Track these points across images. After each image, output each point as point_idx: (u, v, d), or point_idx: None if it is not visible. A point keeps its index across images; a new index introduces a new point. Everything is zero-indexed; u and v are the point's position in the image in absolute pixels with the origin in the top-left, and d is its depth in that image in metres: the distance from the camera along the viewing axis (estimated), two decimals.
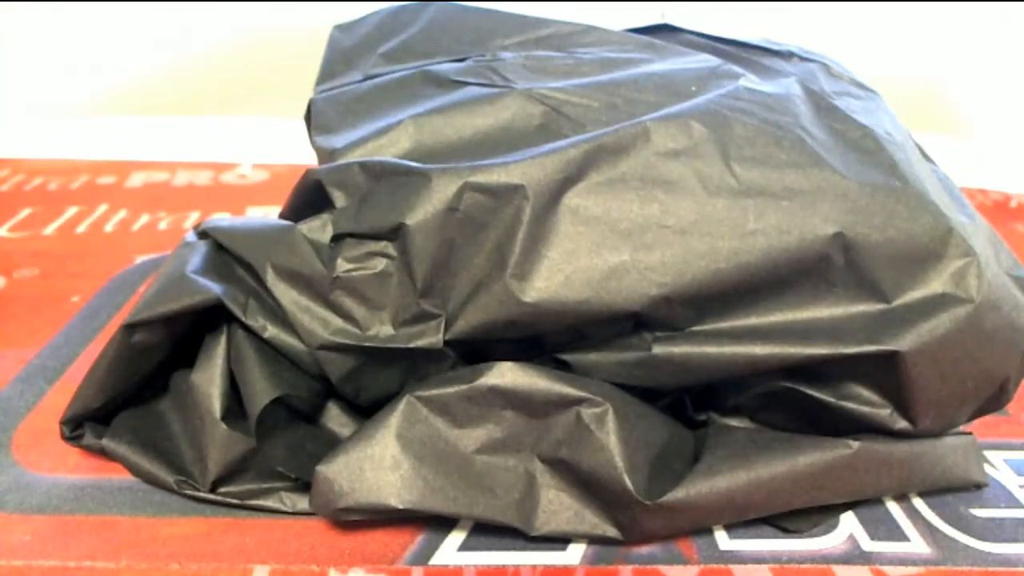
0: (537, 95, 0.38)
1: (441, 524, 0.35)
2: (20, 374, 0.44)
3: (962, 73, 0.95)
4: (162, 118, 0.88)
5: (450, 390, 0.33)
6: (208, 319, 0.36)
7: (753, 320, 0.33)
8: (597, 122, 0.36)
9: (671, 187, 0.33)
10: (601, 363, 0.34)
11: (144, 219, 0.64)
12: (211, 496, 0.35)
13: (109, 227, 0.62)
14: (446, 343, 0.33)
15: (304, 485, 0.35)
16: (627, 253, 0.32)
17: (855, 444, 0.33)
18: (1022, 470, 0.40)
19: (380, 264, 0.34)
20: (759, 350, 0.32)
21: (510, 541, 0.34)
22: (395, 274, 0.33)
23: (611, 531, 0.33)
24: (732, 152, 0.34)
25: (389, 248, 0.34)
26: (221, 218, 0.39)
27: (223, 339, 0.35)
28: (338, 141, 0.37)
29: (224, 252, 0.36)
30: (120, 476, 0.37)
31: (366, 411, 0.36)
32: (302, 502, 0.35)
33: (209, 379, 0.34)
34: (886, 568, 0.34)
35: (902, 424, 0.33)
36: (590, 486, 0.33)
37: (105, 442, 0.36)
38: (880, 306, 0.33)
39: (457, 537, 0.34)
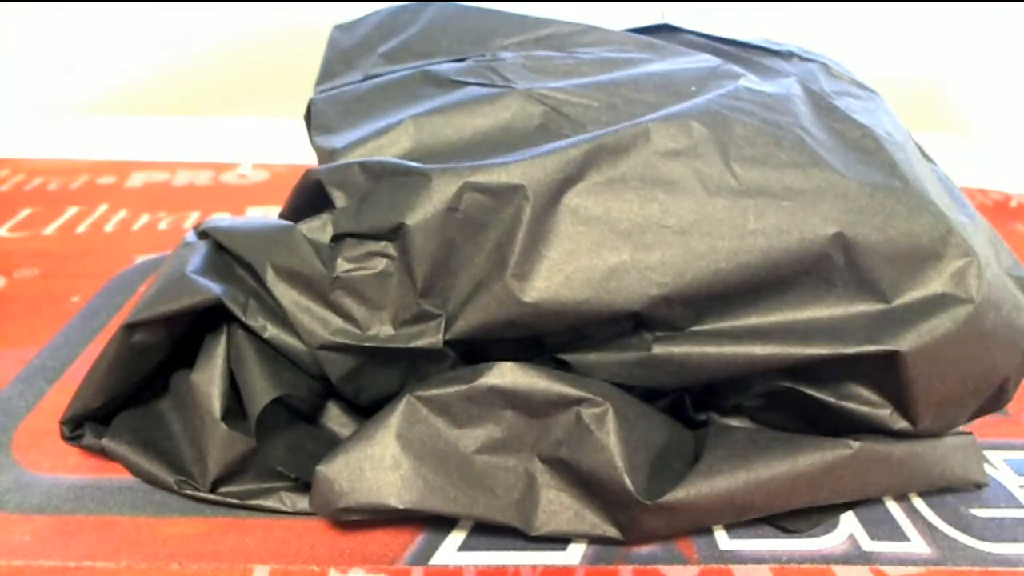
0: (537, 95, 0.38)
1: (441, 524, 0.35)
2: (20, 374, 0.44)
3: (962, 73, 0.95)
4: (162, 118, 0.88)
5: (450, 390, 0.33)
6: (208, 319, 0.36)
7: (753, 320, 0.33)
8: (597, 122, 0.36)
9: (671, 187, 0.33)
10: (601, 363, 0.34)
11: (144, 219, 0.64)
12: (211, 496, 0.35)
13: (109, 227, 0.62)
14: (446, 343, 0.33)
15: (304, 485, 0.35)
16: (627, 253, 0.32)
17: (855, 444, 0.33)
18: (1022, 470, 0.40)
19: (380, 264, 0.34)
20: (759, 350, 0.32)
21: (510, 541, 0.34)
22: (395, 274, 0.33)
23: (611, 531, 0.33)
24: (732, 152, 0.34)
25: (389, 248, 0.34)
26: (221, 218, 0.39)
27: (223, 339, 0.35)
28: (338, 141, 0.37)
29: (224, 252, 0.36)
30: (120, 476, 0.37)
31: (366, 411, 0.36)
32: (302, 502, 0.35)
33: (209, 379, 0.34)
34: (886, 568, 0.34)
35: (902, 424, 0.33)
36: (590, 486, 0.33)
37: (105, 442, 0.36)
38: (880, 306, 0.33)
39: (457, 537, 0.34)
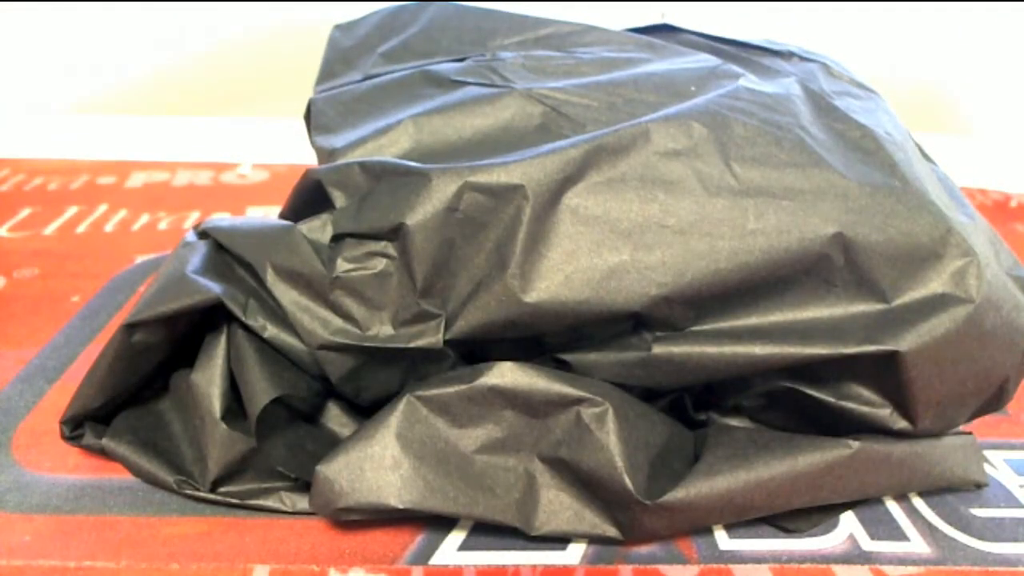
0: (537, 95, 0.38)
1: (441, 524, 0.35)
2: (20, 374, 0.44)
3: (962, 73, 0.95)
4: (162, 118, 0.88)
5: (450, 390, 0.33)
6: (208, 319, 0.36)
7: (753, 320, 0.33)
8: (597, 122, 0.36)
9: (671, 187, 0.33)
10: (601, 363, 0.34)
11: (144, 219, 0.64)
12: (211, 496, 0.35)
13: (109, 227, 0.62)
14: (446, 343, 0.33)
15: (304, 485, 0.35)
16: (627, 253, 0.32)
17: (855, 444, 0.33)
18: (1022, 470, 0.40)
19: (380, 264, 0.34)
20: (759, 350, 0.32)
21: (510, 541, 0.34)
22: (395, 274, 0.33)
23: (611, 531, 0.33)
24: (732, 152, 0.34)
25: (389, 248, 0.34)
26: (221, 218, 0.39)
27: (223, 339, 0.35)
28: (338, 141, 0.38)
29: (224, 252, 0.36)
30: (120, 476, 0.37)
31: (366, 411, 0.36)
32: (302, 502, 0.35)
33: (209, 379, 0.34)
34: (886, 568, 0.34)
35: (902, 424, 0.33)
36: (590, 486, 0.33)
37: (105, 442, 0.36)
38: (880, 306, 0.33)
39: (457, 537, 0.34)
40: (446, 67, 0.41)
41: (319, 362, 0.34)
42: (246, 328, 0.35)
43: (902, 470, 0.35)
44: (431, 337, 0.33)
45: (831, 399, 0.33)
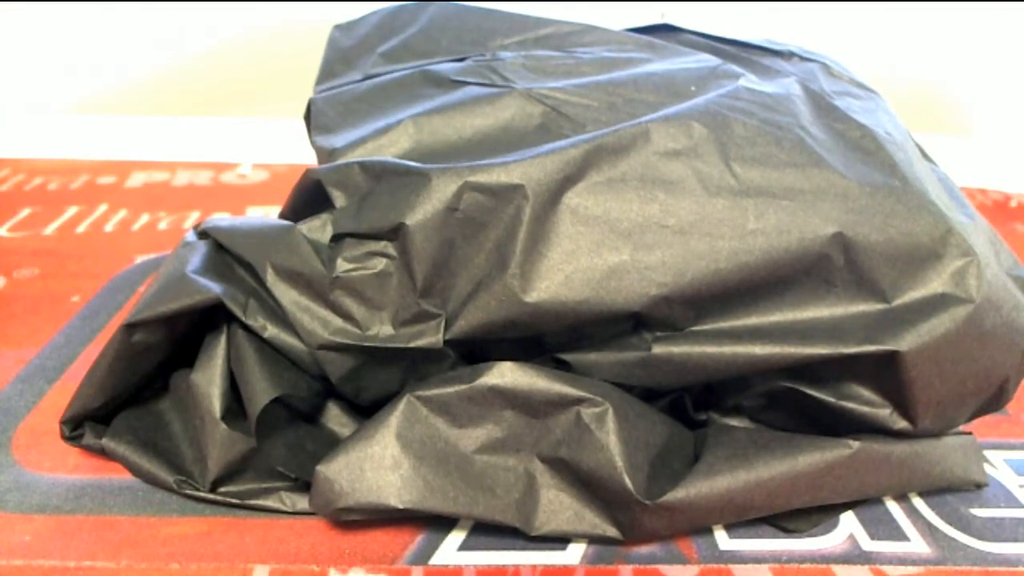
0: (537, 95, 0.38)
1: (441, 524, 0.35)
2: (20, 374, 0.44)
3: (962, 73, 0.95)
4: (162, 118, 0.89)
5: (450, 390, 0.33)
6: (208, 319, 0.36)
7: (753, 320, 0.33)
8: (597, 122, 0.36)
9: (671, 187, 0.33)
10: (601, 363, 0.34)
11: (144, 219, 0.64)
12: (211, 496, 0.35)
13: (109, 227, 0.62)
14: (446, 343, 0.33)
15: (304, 485, 0.35)
16: (627, 253, 0.32)
17: (855, 444, 0.33)
18: (1022, 470, 0.40)
19: (380, 264, 0.34)
20: (759, 350, 0.32)
21: (510, 541, 0.34)
22: (395, 274, 0.33)
23: (611, 531, 0.33)
24: (732, 152, 0.34)
25: (389, 248, 0.34)
26: (221, 218, 0.39)
27: (223, 339, 0.35)
28: (338, 141, 0.38)
29: (224, 252, 0.36)
30: (120, 476, 0.37)
31: (366, 411, 0.36)
32: (302, 502, 0.35)
33: (209, 379, 0.34)
34: (886, 568, 0.34)
35: (902, 424, 0.33)
36: (590, 486, 0.33)
37: (105, 442, 0.36)
38: (880, 306, 0.33)
39: (457, 537, 0.34)
40: (446, 67, 0.41)
41: (319, 362, 0.34)
42: (246, 328, 0.35)
43: (902, 470, 0.35)
44: (431, 337, 0.33)
45: (831, 399, 0.33)
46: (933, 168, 0.39)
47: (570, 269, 0.32)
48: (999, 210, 0.74)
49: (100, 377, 0.35)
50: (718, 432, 0.35)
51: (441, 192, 0.32)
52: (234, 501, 0.35)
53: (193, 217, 0.65)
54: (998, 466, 0.40)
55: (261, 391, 0.33)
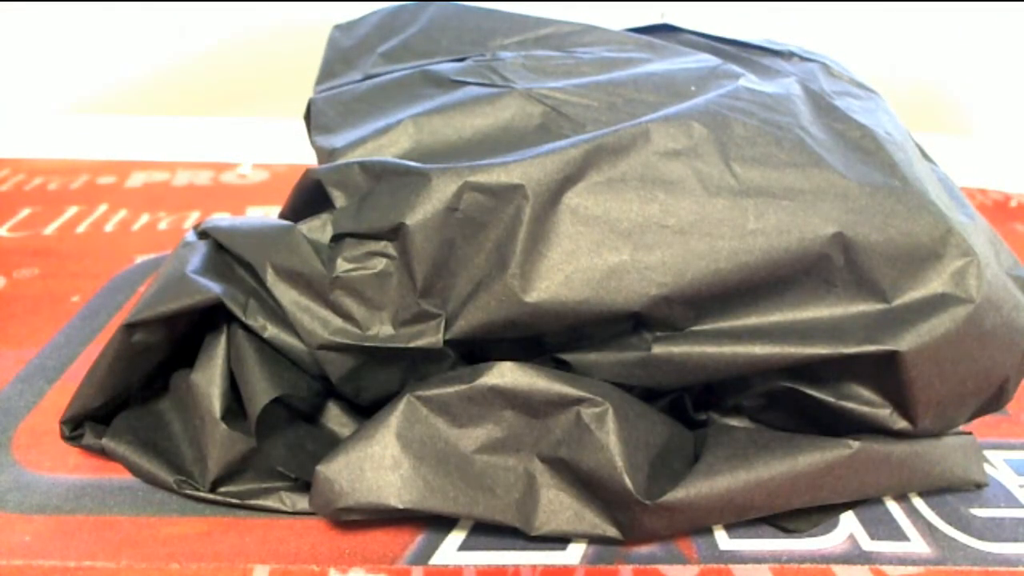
0: (537, 95, 0.38)
1: (441, 524, 0.35)
2: (20, 374, 0.44)
3: (962, 73, 0.95)
4: (162, 118, 0.89)
5: (450, 390, 0.33)
6: (208, 319, 0.36)
7: (753, 320, 0.33)
8: (597, 122, 0.36)
9: (671, 187, 0.33)
10: (601, 363, 0.34)
11: (144, 219, 0.64)
12: (211, 496, 0.35)
13: (109, 227, 0.62)
14: (446, 343, 0.33)
15: (304, 485, 0.35)
16: (627, 253, 0.32)
17: (855, 444, 0.33)
18: (1022, 470, 0.40)
19: (380, 264, 0.34)
20: (759, 350, 0.32)
21: (510, 541, 0.34)
22: (395, 274, 0.33)
23: (611, 531, 0.33)
24: (732, 152, 0.34)
25: (389, 248, 0.34)
26: (221, 218, 0.39)
27: (223, 339, 0.35)
28: (338, 141, 0.38)
29: (224, 252, 0.36)
30: (120, 476, 0.37)
31: (366, 411, 0.36)
32: (302, 502, 0.35)
33: (209, 379, 0.34)
34: (886, 568, 0.34)
35: (902, 424, 0.33)
36: (590, 486, 0.33)
37: (105, 442, 0.36)
38: (880, 306, 0.33)
39: (457, 537, 0.34)
40: (446, 67, 0.41)
41: (319, 362, 0.34)
42: (246, 328, 0.35)
43: (902, 470, 0.35)
44: (431, 337, 0.33)
45: (831, 399, 0.33)
46: (933, 168, 0.39)
47: (570, 269, 0.32)
48: (999, 210, 0.74)
49: (100, 377, 0.35)
50: (718, 432, 0.35)
51: (441, 192, 0.32)
52: (234, 501, 0.35)
53: (193, 217, 0.65)
54: (998, 466, 0.40)
55: (261, 391, 0.33)
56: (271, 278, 0.34)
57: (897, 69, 0.93)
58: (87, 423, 0.37)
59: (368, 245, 0.34)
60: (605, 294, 0.32)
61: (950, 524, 0.36)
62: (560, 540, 0.34)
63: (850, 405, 0.33)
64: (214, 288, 0.34)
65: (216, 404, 0.34)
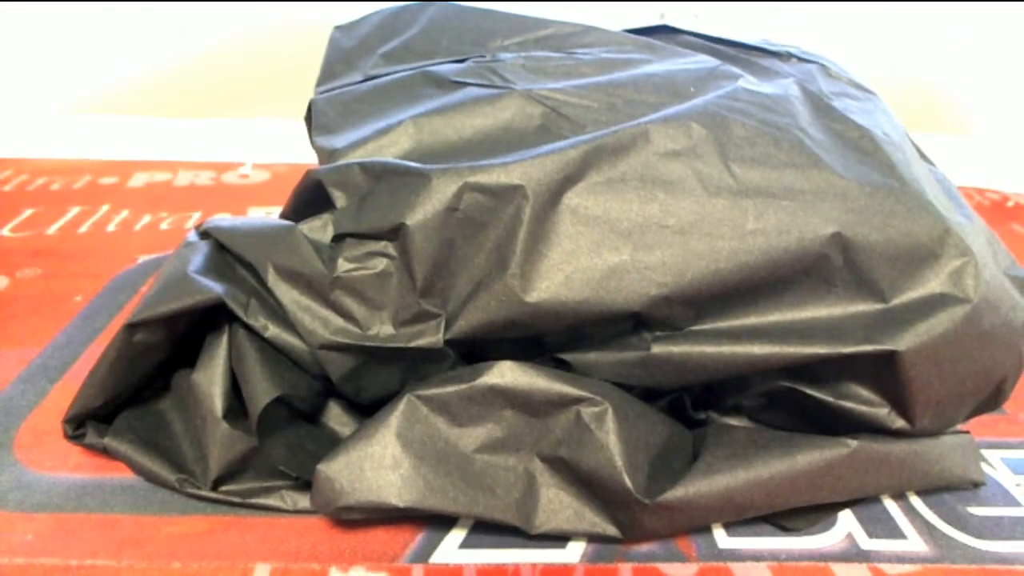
0: (537, 96, 0.38)
1: (441, 523, 0.35)
2: (22, 373, 0.44)
3: (961, 73, 0.95)
4: (164, 119, 0.89)
5: (450, 389, 0.33)
6: (209, 319, 0.36)
7: (752, 320, 0.33)
8: (596, 123, 0.36)
9: (671, 187, 0.33)
10: (601, 363, 0.34)
11: (146, 219, 0.64)
12: (212, 495, 0.35)
13: (111, 227, 0.62)
14: (446, 342, 0.33)
15: (305, 484, 0.35)
16: (627, 253, 0.32)
17: (853, 443, 0.33)
18: (1020, 469, 0.40)
19: (380, 264, 0.34)
20: (758, 350, 0.32)
21: (510, 539, 0.34)
22: (395, 274, 0.34)
23: (611, 529, 0.33)
24: (731, 152, 0.34)
25: (389, 248, 0.34)
26: (222, 218, 0.39)
27: (224, 339, 0.35)
28: (338, 141, 0.38)
29: (225, 252, 0.36)
30: (122, 475, 0.37)
31: (366, 410, 0.37)
32: (303, 500, 0.35)
33: (210, 378, 0.34)
34: (884, 566, 0.34)
35: (900, 423, 0.33)
36: (590, 485, 0.33)
37: (107, 441, 0.36)
38: (878, 306, 0.33)
39: (457, 535, 0.34)
40: (446, 68, 0.41)
41: (320, 362, 0.34)
42: (247, 328, 0.35)
43: (901, 469, 0.35)
44: (431, 337, 0.33)
45: (830, 399, 0.33)
46: (931, 168, 0.39)
47: (570, 269, 0.32)
48: (997, 210, 0.74)
49: (102, 376, 0.36)
50: (718, 432, 0.35)
51: (441, 192, 0.33)
52: (235, 500, 0.35)
53: (195, 217, 0.65)
54: (996, 465, 0.40)
55: (262, 391, 0.33)
56: (272, 278, 0.34)
57: (897, 69, 0.93)
58: (89, 422, 0.37)
59: (368, 245, 0.34)
60: (605, 294, 0.32)
61: (948, 523, 0.36)
62: (560, 539, 0.34)
63: (849, 404, 0.33)
64: (215, 288, 0.34)
65: (217, 403, 0.34)
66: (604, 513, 0.33)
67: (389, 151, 0.37)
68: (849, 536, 0.35)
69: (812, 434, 0.34)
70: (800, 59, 0.43)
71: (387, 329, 0.34)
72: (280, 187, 0.71)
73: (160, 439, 0.37)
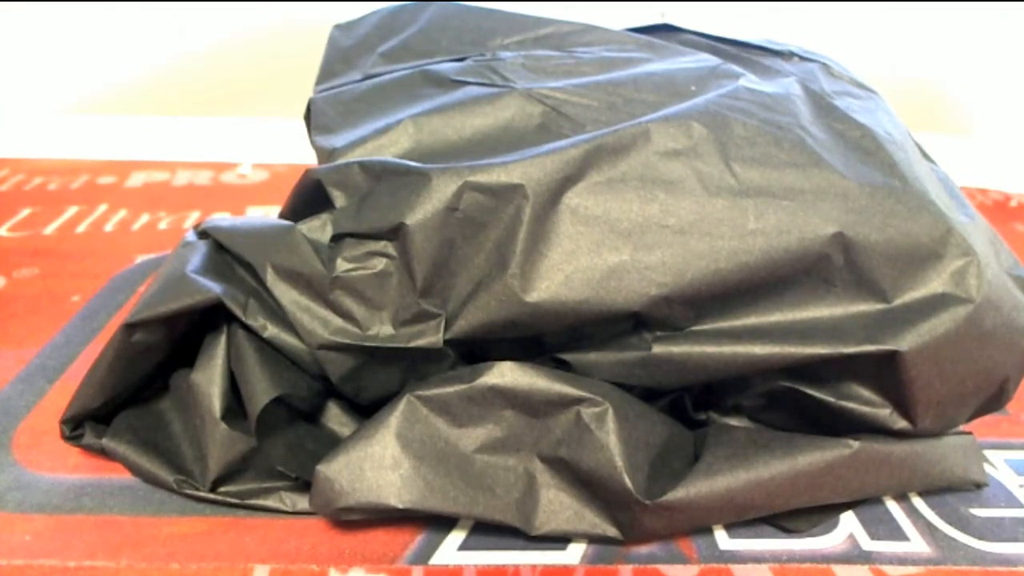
0: (537, 95, 0.38)
1: (441, 523, 0.35)
2: (20, 374, 0.44)
3: (962, 73, 0.95)
4: (162, 118, 0.89)
5: (450, 389, 0.33)
6: (208, 319, 0.36)
7: (753, 320, 0.33)
8: (597, 122, 0.36)
9: (671, 187, 0.33)
10: (601, 363, 0.34)
11: (144, 219, 0.64)
12: (211, 495, 0.35)
13: (109, 227, 0.62)
14: (446, 343, 0.33)
15: (304, 484, 0.35)
16: (627, 253, 0.32)
17: (855, 444, 0.33)
18: (1022, 470, 0.40)
19: (380, 264, 0.34)
20: (759, 350, 0.32)
21: (510, 540, 0.34)
22: (395, 274, 0.33)
23: (611, 531, 0.33)
24: (732, 152, 0.34)
25: (389, 248, 0.34)
26: (221, 218, 0.39)
27: (223, 339, 0.35)
28: (338, 141, 0.38)
29: (224, 252, 0.36)
30: (120, 475, 0.37)
31: (366, 411, 0.36)
32: (302, 501, 0.35)
33: (209, 379, 0.34)
34: (886, 567, 0.34)
35: (902, 424, 0.33)
36: (590, 486, 0.33)
37: (105, 441, 0.36)
38: (880, 306, 0.33)
39: (457, 536, 0.34)
40: (446, 67, 0.41)
41: (319, 362, 0.34)
42: (246, 328, 0.35)
43: (902, 470, 0.35)
44: (431, 337, 0.33)
45: (831, 399, 0.33)
46: (933, 168, 0.39)
47: (570, 269, 0.32)
48: (999, 210, 0.74)
49: (100, 377, 0.35)
50: (718, 432, 0.35)
51: (441, 192, 0.32)
52: (234, 501, 0.35)
53: (193, 217, 0.65)
54: (998, 466, 0.40)
55: (261, 391, 0.33)
56: (271, 278, 0.34)
57: (897, 69, 0.93)
58: (87, 423, 0.37)
59: (368, 245, 0.34)
60: (605, 294, 0.32)
61: (950, 524, 0.36)
62: (560, 540, 0.34)
63: (850, 405, 0.33)
64: (214, 288, 0.34)
65: (216, 404, 0.34)
66: (604, 514, 0.33)
67: (389, 150, 0.36)
68: (851, 537, 0.35)
69: (813, 435, 0.34)
70: (802, 58, 0.43)
71: (387, 329, 0.34)
72: (279, 187, 0.71)
73: (159, 440, 0.37)
